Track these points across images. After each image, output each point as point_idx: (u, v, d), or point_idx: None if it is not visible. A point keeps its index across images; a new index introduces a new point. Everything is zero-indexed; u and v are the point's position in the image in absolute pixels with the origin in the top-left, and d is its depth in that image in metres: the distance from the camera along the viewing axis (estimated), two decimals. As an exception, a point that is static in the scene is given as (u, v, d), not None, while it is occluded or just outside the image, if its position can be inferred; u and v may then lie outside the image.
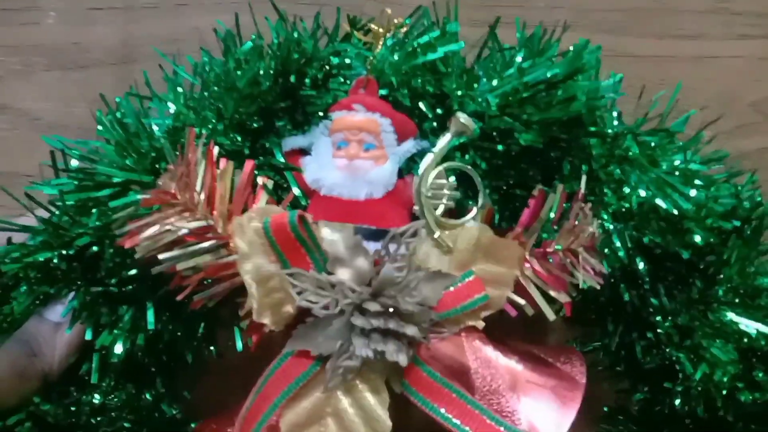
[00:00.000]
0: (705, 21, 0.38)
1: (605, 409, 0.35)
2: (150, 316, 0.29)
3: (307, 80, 0.28)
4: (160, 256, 0.24)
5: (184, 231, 0.25)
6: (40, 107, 0.37)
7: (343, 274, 0.25)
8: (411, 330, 0.26)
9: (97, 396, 0.31)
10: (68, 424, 0.30)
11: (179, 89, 0.30)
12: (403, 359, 0.25)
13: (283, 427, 0.27)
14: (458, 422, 0.27)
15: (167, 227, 0.24)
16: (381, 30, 0.29)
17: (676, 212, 0.28)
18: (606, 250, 0.29)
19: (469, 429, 0.27)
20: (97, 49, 0.35)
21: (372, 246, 0.27)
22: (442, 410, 0.28)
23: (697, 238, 0.28)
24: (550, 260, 0.28)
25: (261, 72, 0.28)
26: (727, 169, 0.32)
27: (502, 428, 0.27)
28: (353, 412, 0.27)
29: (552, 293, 0.28)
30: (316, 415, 0.27)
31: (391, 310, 0.25)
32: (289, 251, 0.25)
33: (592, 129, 0.28)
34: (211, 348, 0.32)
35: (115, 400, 0.31)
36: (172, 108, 0.29)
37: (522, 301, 0.28)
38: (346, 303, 0.25)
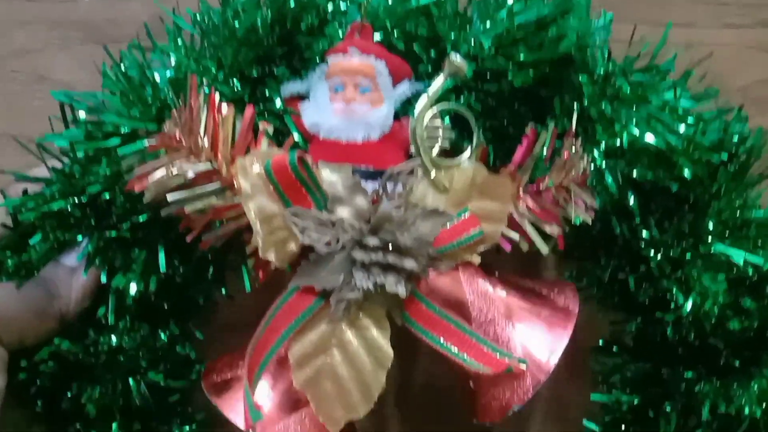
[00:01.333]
0: (695, 9, 0.41)
1: (600, 341, 0.37)
2: (161, 258, 0.30)
3: (303, 27, 0.29)
4: (169, 197, 0.25)
5: (191, 174, 0.26)
6: (75, 78, 0.40)
7: (343, 213, 0.27)
8: (409, 263, 0.27)
9: (114, 337, 0.32)
10: (89, 363, 0.32)
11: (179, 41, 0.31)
12: (402, 291, 0.27)
13: (292, 358, 0.29)
14: (456, 350, 0.29)
15: (174, 170, 0.26)
16: (375, -26, 0.30)
17: (665, 147, 0.29)
18: (597, 187, 0.30)
19: (467, 356, 0.29)
20: (130, 25, 0.37)
21: (370, 186, 0.28)
22: (441, 340, 0.29)
23: (686, 172, 0.29)
24: (543, 197, 0.29)
25: (258, 20, 0.28)
26: (718, 107, 0.33)
27: (497, 354, 0.29)
28: (357, 343, 0.29)
29: (545, 228, 0.29)
30: (322, 346, 0.29)
31: (389, 244, 0.27)
32: (291, 191, 0.27)
33: (583, 67, 0.28)
34: (222, 289, 0.34)
35: (131, 341, 0.33)
36: (173, 60, 0.30)
37: (516, 236, 0.30)
38: (347, 239, 0.26)
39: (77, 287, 0.31)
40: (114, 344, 0.32)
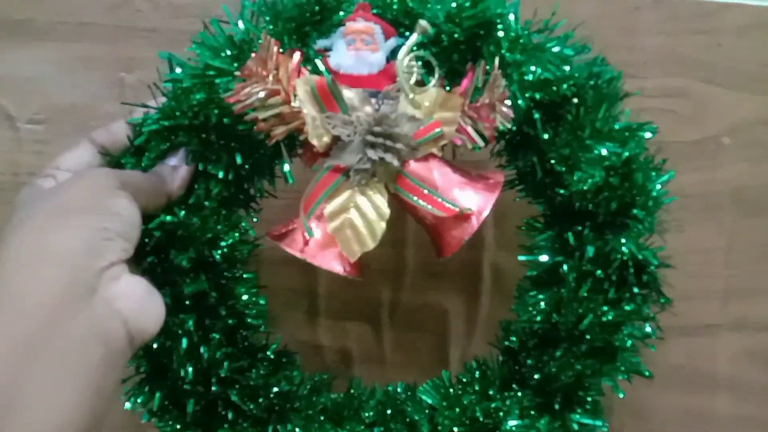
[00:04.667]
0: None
1: (524, 220, 0.54)
2: (238, 157, 0.46)
3: (328, 5, 0.45)
4: (254, 101, 0.41)
5: (265, 92, 0.42)
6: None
7: (358, 114, 0.43)
8: (399, 146, 0.43)
9: (197, 219, 0.47)
10: (184, 234, 0.45)
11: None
12: (396, 162, 0.43)
13: (326, 214, 0.44)
14: (429, 206, 0.45)
15: (254, 89, 0.42)
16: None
17: (554, 78, 0.47)
18: (513, 106, 0.47)
19: (435, 209, 0.45)
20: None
21: (373, 100, 0.44)
22: (421, 202, 0.46)
23: (568, 93, 0.47)
24: (480, 110, 0.46)
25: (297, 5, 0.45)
26: (591, 58, 0.50)
27: (456, 208, 0.45)
28: (366, 204, 0.45)
29: (482, 130, 0.46)
30: (345, 206, 0.44)
31: (387, 134, 0.43)
32: (327, 102, 0.43)
33: (500, 27, 0.46)
34: (273, 184, 0.49)
35: (213, 218, 0.48)
36: (243, 27, 0.46)
37: (463, 137, 0.46)
38: (361, 129, 0.43)
39: (178, 178, 0.44)
40: (199, 223, 0.47)
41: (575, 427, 0.51)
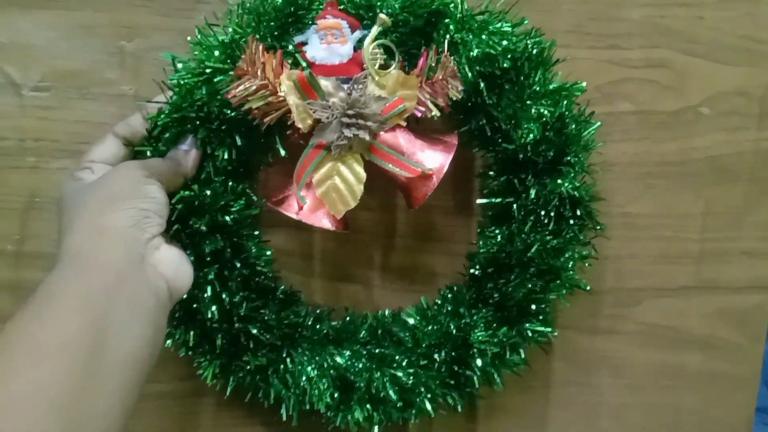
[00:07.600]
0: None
1: (480, 170, 0.64)
2: (238, 139, 0.55)
3: (301, 5, 0.54)
4: (248, 95, 0.51)
5: (255, 85, 0.51)
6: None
7: (333, 100, 0.53)
8: (370, 123, 0.53)
9: (210, 191, 0.58)
10: (200, 204, 0.57)
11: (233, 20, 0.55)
12: (368, 137, 0.53)
13: (314, 181, 0.55)
14: (398, 169, 0.55)
15: (246, 85, 0.51)
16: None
17: (496, 52, 0.56)
18: (463, 78, 0.56)
19: (403, 171, 0.55)
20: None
21: (345, 86, 0.54)
22: (390, 166, 0.56)
23: (507, 64, 0.56)
24: (435, 85, 0.56)
25: (276, 5, 0.53)
26: (526, 30, 0.59)
27: (419, 169, 0.55)
28: (346, 171, 0.55)
29: (437, 101, 0.56)
30: (329, 175, 0.54)
31: (359, 114, 0.53)
32: (307, 91, 0.52)
33: (448, 14, 0.54)
34: (269, 158, 0.59)
35: (222, 190, 0.58)
36: (230, 30, 0.54)
37: (423, 109, 0.56)
38: (338, 112, 0.52)
39: (190, 160, 0.53)
40: (212, 194, 0.58)
41: (529, 334, 0.63)
